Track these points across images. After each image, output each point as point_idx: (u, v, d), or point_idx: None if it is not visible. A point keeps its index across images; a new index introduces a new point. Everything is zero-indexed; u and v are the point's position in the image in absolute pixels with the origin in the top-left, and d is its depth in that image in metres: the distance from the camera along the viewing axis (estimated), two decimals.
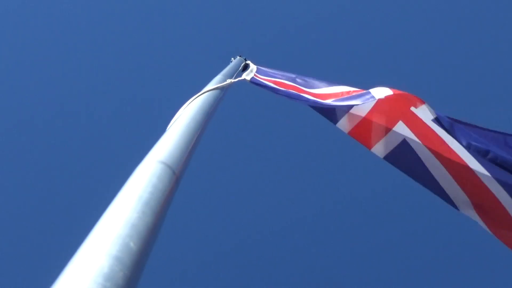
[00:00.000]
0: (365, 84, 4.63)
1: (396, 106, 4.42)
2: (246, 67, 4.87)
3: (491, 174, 4.26)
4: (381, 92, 4.31)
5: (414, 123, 4.45)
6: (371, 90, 4.35)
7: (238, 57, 4.98)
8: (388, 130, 4.59)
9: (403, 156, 4.62)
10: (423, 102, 4.32)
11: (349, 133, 4.79)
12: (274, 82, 4.62)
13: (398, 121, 4.51)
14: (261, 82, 4.60)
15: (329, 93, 4.52)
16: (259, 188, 12.07)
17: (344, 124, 4.76)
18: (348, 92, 4.46)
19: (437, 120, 4.28)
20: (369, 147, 4.77)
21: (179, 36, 13.10)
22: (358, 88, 4.55)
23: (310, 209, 11.87)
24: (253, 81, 4.62)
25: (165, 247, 9.85)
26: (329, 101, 4.41)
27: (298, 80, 4.73)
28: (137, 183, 2.21)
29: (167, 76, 12.59)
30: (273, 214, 11.78)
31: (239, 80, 4.43)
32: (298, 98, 4.46)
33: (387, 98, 4.33)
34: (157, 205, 2.11)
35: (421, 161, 4.53)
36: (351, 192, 12.00)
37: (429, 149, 4.48)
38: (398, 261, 11.55)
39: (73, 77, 12.54)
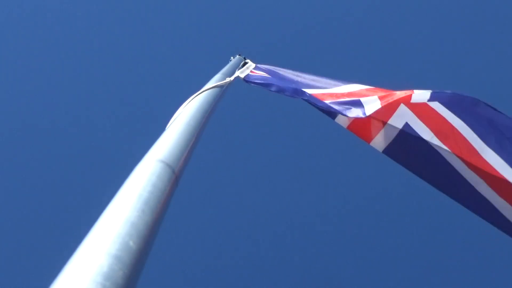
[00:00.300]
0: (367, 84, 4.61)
1: (395, 96, 4.35)
2: (245, 66, 4.86)
3: (496, 153, 4.20)
4: (371, 107, 4.21)
5: (415, 106, 4.37)
6: (363, 102, 4.25)
7: (237, 56, 4.98)
8: (388, 116, 4.47)
9: (405, 145, 4.50)
10: (412, 91, 4.27)
11: (348, 127, 4.70)
12: (268, 80, 4.57)
13: (399, 104, 4.40)
14: (255, 80, 4.56)
15: (328, 92, 4.47)
16: (260, 187, 12.07)
17: (343, 119, 4.66)
18: (342, 94, 4.39)
19: (434, 98, 4.24)
20: (369, 141, 4.64)
21: (178, 35, 13.11)
22: (363, 84, 4.51)
23: (311, 209, 11.87)
24: (246, 79, 4.58)
25: (165, 246, 9.85)
26: (326, 101, 4.34)
27: (297, 77, 4.70)
28: (137, 182, 2.21)
29: (167, 75, 12.59)
30: (273, 213, 11.78)
31: (235, 78, 4.41)
32: (294, 94, 4.37)
33: (381, 97, 4.28)
34: (157, 204, 2.11)
35: (426, 142, 4.40)
36: (351, 192, 12.00)
37: (432, 130, 4.38)
38: (399, 261, 11.55)
39: (72, 76, 12.54)
